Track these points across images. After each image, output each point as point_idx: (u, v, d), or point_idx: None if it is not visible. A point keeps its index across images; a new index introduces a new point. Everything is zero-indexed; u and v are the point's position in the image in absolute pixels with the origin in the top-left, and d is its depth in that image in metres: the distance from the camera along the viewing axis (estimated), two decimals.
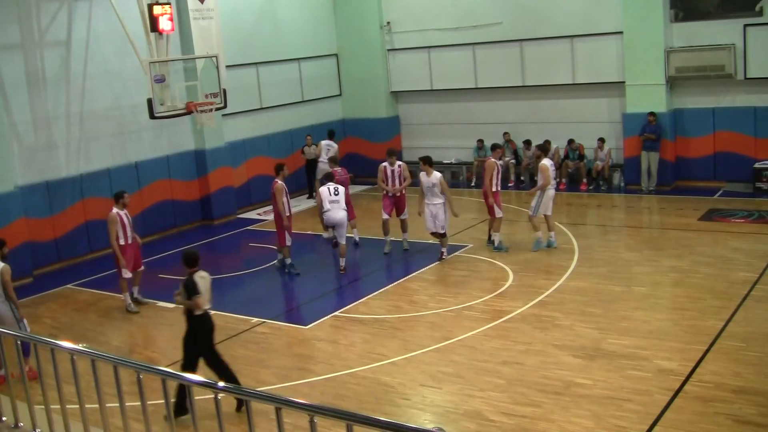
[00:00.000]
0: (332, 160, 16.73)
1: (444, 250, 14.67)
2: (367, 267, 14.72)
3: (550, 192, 14.67)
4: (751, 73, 18.00)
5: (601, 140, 19.71)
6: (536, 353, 10.13)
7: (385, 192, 15.41)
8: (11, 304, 10.31)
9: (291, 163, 19.98)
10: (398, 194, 15.30)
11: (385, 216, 15.26)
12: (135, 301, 13.29)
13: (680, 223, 16.20)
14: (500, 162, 15.33)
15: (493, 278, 13.35)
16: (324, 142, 20.58)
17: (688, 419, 8.08)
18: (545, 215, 14.75)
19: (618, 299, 11.91)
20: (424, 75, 22.56)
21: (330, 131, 21.27)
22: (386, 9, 22.78)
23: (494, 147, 15.42)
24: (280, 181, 14.19)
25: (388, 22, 22.79)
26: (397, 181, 15.22)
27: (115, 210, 12.92)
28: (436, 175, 14.38)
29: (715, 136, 18.75)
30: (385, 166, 15.45)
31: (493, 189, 14.71)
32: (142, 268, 13.56)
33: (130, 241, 13.14)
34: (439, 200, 14.35)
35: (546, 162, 14.79)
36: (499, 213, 14.78)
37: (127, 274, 13.02)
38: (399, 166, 15.32)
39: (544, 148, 16.17)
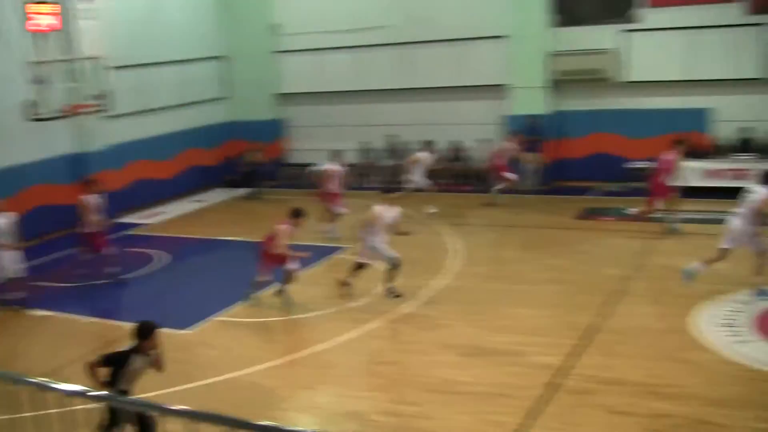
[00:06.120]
0: None
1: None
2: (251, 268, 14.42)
3: None
4: (629, 76, 18.76)
5: (484, 141, 20.03)
6: (418, 352, 10.15)
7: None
8: None
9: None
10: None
11: None
12: None
13: (559, 221, 16.63)
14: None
15: (376, 279, 13.29)
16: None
17: (565, 412, 8.25)
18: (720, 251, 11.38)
19: (499, 298, 12.07)
20: (313, 77, 22.42)
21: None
22: (276, 11, 22.53)
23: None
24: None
25: (277, 25, 22.53)
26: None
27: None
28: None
29: (592, 137, 19.45)
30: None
31: None
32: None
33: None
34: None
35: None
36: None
37: None
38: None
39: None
